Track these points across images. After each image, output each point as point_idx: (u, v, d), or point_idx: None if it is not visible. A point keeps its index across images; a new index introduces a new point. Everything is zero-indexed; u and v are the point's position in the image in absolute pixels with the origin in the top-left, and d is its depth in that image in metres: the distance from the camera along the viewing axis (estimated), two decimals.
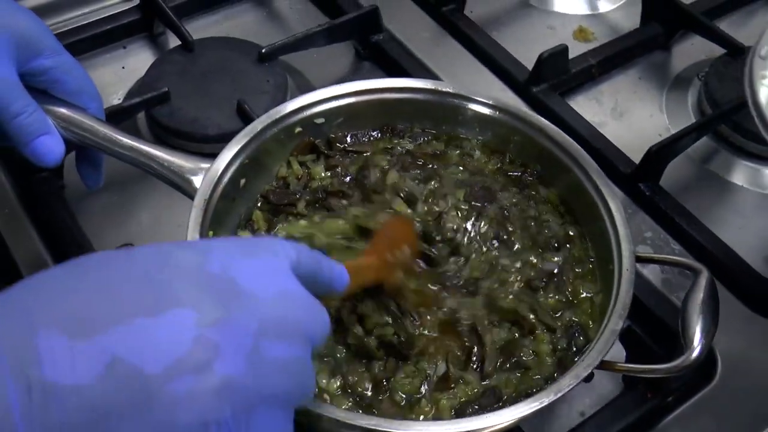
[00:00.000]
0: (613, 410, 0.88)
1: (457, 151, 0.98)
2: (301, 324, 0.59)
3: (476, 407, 0.77)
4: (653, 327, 0.93)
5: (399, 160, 0.96)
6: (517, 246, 0.89)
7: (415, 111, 0.98)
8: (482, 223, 0.89)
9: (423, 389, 0.79)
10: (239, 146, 0.89)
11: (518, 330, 0.84)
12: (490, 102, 0.96)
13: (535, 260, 0.88)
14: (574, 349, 0.83)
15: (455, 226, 0.88)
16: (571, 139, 0.93)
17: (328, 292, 0.69)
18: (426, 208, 0.90)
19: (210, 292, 0.55)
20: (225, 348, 0.54)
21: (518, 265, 0.88)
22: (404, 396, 0.78)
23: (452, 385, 0.79)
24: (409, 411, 0.78)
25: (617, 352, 0.91)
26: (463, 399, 0.78)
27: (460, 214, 0.90)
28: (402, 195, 0.91)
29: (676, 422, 0.89)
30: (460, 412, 0.77)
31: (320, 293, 0.66)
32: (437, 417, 0.78)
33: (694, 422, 0.89)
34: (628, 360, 0.91)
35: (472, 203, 0.91)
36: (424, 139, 0.99)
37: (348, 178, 0.95)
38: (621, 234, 0.83)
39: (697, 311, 0.77)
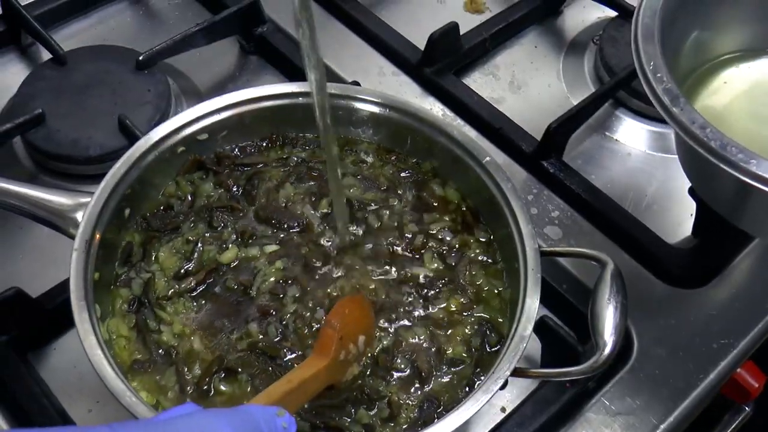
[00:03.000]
0: (534, 403, 0.87)
1: (352, 157, 0.94)
2: None
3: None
4: (567, 313, 0.92)
5: (294, 171, 0.92)
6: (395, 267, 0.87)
7: (304, 116, 0.93)
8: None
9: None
10: (117, 178, 0.83)
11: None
12: (379, 100, 0.92)
13: (420, 273, 0.86)
14: (488, 348, 0.82)
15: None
16: (466, 134, 0.90)
17: None
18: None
19: None
20: None
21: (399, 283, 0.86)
22: None
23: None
24: None
25: (532, 344, 0.90)
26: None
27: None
28: (297, 224, 0.88)
29: (600, 407, 0.88)
30: None
31: None
32: None
33: (618, 404, 0.88)
34: (543, 351, 0.90)
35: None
36: (318, 144, 0.95)
37: (236, 190, 0.91)
38: (524, 233, 0.81)
39: (605, 307, 0.75)
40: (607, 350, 0.73)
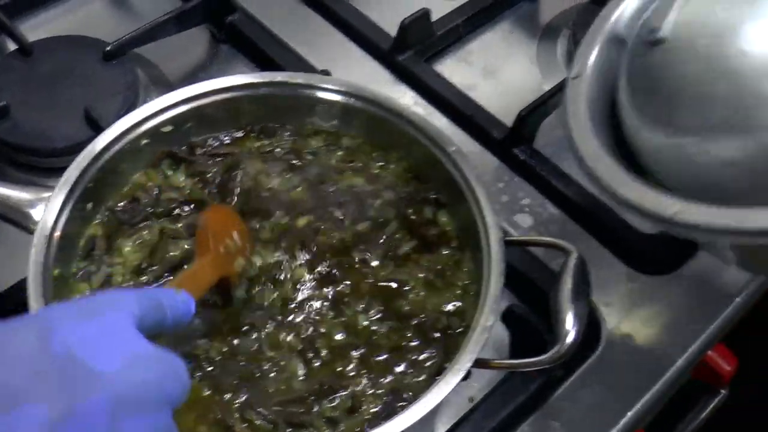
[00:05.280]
0: (503, 393, 0.86)
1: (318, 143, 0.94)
2: (155, 388, 0.57)
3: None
4: (538, 301, 0.91)
5: (274, 161, 0.91)
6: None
7: (275, 107, 0.92)
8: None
9: None
10: (79, 172, 0.82)
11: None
12: (343, 89, 0.90)
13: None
14: (457, 330, 0.81)
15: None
16: (431, 123, 0.89)
17: (180, 325, 0.68)
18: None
19: (57, 379, 0.52)
20: None
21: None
22: None
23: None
24: None
25: (499, 332, 0.90)
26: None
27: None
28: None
29: (567, 395, 0.88)
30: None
31: (176, 330, 0.66)
32: None
33: (585, 392, 0.88)
34: (511, 339, 0.90)
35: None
36: (297, 133, 0.94)
37: (212, 179, 0.90)
38: (489, 223, 0.80)
39: (567, 297, 0.74)
40: (569, 339, 0.73)
